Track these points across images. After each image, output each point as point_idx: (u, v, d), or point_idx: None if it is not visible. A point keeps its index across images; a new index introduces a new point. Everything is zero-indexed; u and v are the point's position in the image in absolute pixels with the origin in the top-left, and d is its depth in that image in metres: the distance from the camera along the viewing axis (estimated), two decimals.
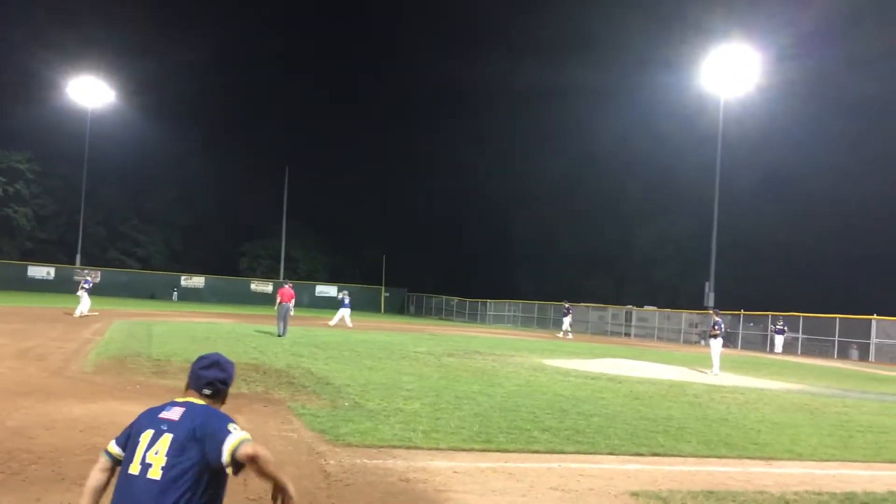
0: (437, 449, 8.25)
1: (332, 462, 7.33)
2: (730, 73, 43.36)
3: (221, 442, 3.00)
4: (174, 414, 3.11)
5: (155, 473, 2.96)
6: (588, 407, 12.10)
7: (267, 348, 19.34)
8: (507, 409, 11.20)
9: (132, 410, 4.19)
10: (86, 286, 28.78)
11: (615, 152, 66.78)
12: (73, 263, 63.75)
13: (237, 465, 3.01)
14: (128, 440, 3.12)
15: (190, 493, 2.97)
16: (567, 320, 41.00)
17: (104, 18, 78.81)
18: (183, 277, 68.84)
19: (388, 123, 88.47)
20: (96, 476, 3.17)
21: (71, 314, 27.86)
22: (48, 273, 62.71)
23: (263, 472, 3.08)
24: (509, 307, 60.07)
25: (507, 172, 77.22)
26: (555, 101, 70.95)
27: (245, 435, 3.05)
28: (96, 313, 28.53)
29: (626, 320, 50.56)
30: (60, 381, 11.70)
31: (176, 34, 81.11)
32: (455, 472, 7.33)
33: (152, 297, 61.82)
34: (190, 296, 65.23)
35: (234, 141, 79.67)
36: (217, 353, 3.46)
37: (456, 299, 65.77)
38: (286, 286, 25.92)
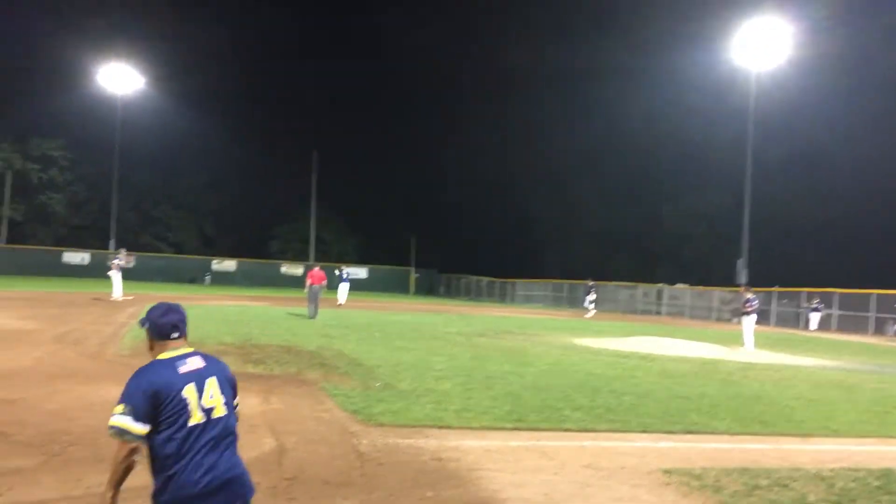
0: (468, 428, 8.29)
1: (365, 442, 7.40)
2: (762, 47, 42.56)
3: (235, 385, 3.52)
4: (196, 363, 3.39)
5: (220, 411, 3.33)
6: (620, 385, 12.07)
7: (299, 330, 19.52)
8: (539, 389, 11.21)
9: None
10: (118, 262, 28.83)
11: (643, 128, 65.85)
12: (107, 249, 64.73)
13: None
14: (156, 410, 3.17)
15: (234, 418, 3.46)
16: (590, 298, 40.92)
17: (132, 4, 79.37)
18: (215, 261, 69.58)
19: (414, 104, 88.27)
20: (129, 461, 3.22)
21: (105, 299, 27.88)
22: (83, 259, 63.68)
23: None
24: (539, 287, 59.88)
25: (535, 151, 76.60)
26: (582, 77, 70.25)
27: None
28: (131, 297, 28.91)
29: (656, 298, 50.19)
30: (98, 364, 11.92)
31: (204, 19, 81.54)
32: (487, 450, 7.36)
33: (192, 280, 62.64)
34: (222, 279, 65.95)
35: (262, 125, 79.97)
36: (162, 303, 3.60)
37: (486, 279, 65.69)
38: (315, 268, 26.07)
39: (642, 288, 51.90)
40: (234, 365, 12.03)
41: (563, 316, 38.61)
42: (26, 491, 5.42)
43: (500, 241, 76.18)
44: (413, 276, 74.93)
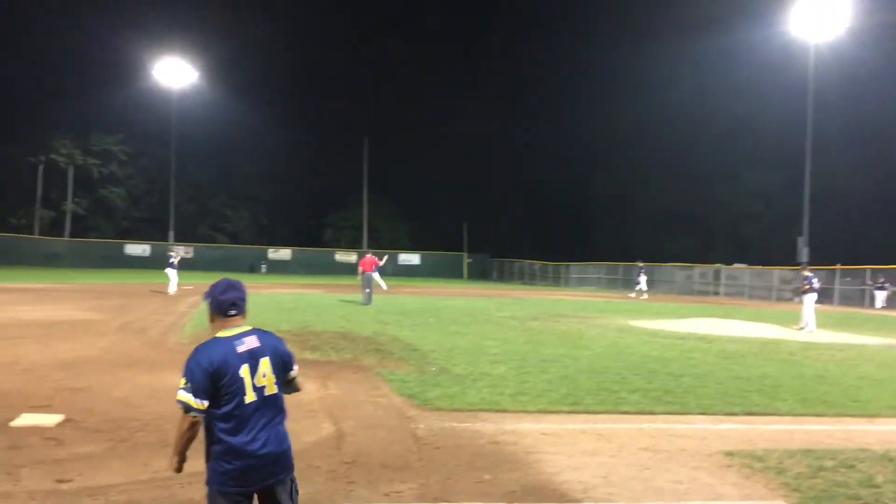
0: (524, 412, 8.28)
1: (421, 426, 7.44)
2: (820, 17, 41.24)
3: (291, 364, 3.71)
4: (252, 342, 3.56)
5: (270, 389, 3.54)
6: (677, 367, 11.91)
7: (353, 317, 19.71)
8: (595, 371, 11.13)
9: None
10: (173, 260, 29.16)
11: (696, 105, 64.51)
12: (167, 240, 66.23)
13: (289, 386, 3.74)
14: (215, 387, 3.39)
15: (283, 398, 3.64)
16: (642, 279, 40.51)
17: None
18: (270, 250, 70.73)
19: (462, 88, 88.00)
20: (192, 433, 3.45)
21: (163, 292, 28.16)
22: (143, 250, 65.27)
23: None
24: (593, 269, 59.35)
25: (585, 132, 75.73)
26: (635, 54, 69.09)
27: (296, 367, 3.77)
28: (191, 287, 29.52)
29: (714, 279, 49.26)
30: (160, 352, 12.22)
31: (254, 12, 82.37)
32: (543, 433, 7.34)
33: (251, 269, 63.73)
34: (277, 268, 67.02)
35: (313, 115, 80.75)
36: (225, 278, 3.79)
37: (538, 263, 65.37)
38: (367, 255, 26.18)
39: (699, 269, 50.99)
40: (292, 351, 12.22)
41: (617, 298, 38.24)
42: (96, 475, 5.59)
43: (553, 224, 75.70)
44: (465, 261, 74.98)
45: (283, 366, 3.64)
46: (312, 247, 73.66)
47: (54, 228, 69.60)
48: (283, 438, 3.57)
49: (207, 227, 77.01)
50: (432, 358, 12.03)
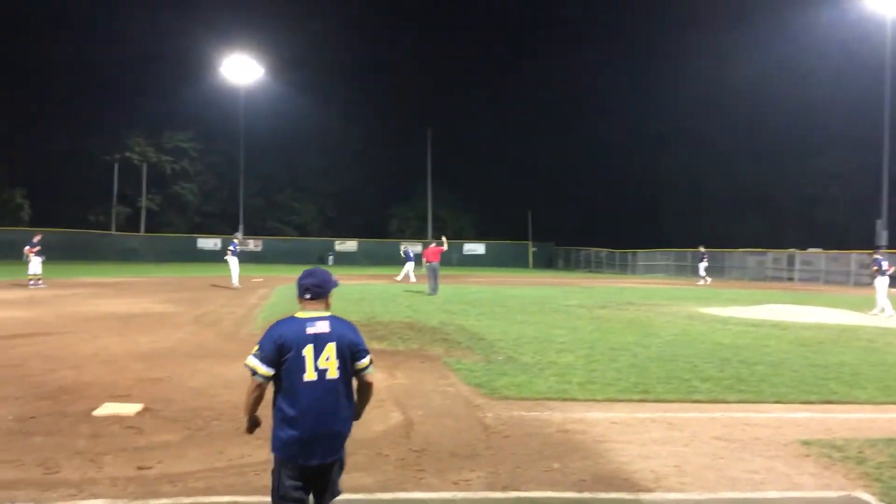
0: (593, 400, 8.20)
1: (489, 415, 7.45)
2: None
3: (361, 354, 3.93)
4: (323, 327, 3.84)
5: (332, 373, 3.80)
6: (750, 355, 11.63)
7: (420, 307, 19.82)
8: (665, 360, 10.96)
9: None
10: (232, 249, 27.68)
11: (766, 84, 62.64)
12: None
13: (359, 378, 3.97)
14: (279, 358, 3.75)
15: (350, 385, 3.91)
16: (703, 266, 39.75)
17: None
18: (337, 242, 71.71)
19: (525, 75, 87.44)
20: (257, 394, 3.84)
21: (226, 286, 26.98)
22: (214, 244, 66.87)
23: (365, 398, 4.08)
24: (661, 256, 58.36)
25: (652, 116, 74.47)
26: (699, 34, 67.44)
27: (370, 362, 4.01)
28: (260, 279, 30.12)
29: (787, 264, 47.86)
30: (233, 343, 12.50)
31: (316, 7, 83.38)
32: (613, 422, 7.26)
33: (320, 259, 64.66)
34: (344, 259, 67.88)
35: (376, 108, 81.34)
36: (315, 267, 4.14)
37: (605, 251, 64.62)
38: (432, 245, 26.22)
39: (772, 254, 49.58)
40: (365, 344, 12.36)
41: (686, 285, 37.54)
42: (174, 463, 5.76)
43: (620, 211, 74.62)
44: (531, 249, 74.60)
45: (349, 354, 3.86)
46: (378, 238, 74.33)
47: (130, 224, 71.91)
48: (338, 421, 3.84)
49: (275, 220, 78.45)
50: (499, 347, 12.02)
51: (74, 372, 9.54)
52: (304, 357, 3.74)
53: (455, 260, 65.10)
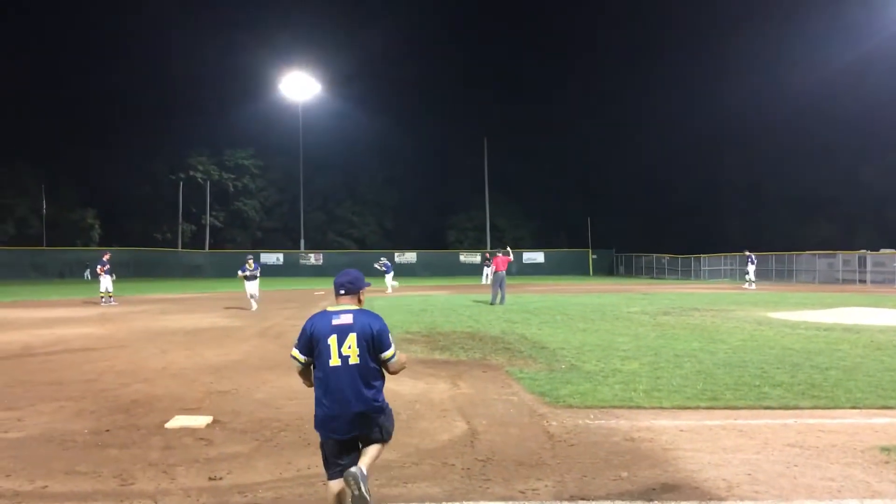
0: (660, 408, 8.05)
1: (554, 423, 7.38)
2: None
3: (382, 345, 4.42)
4: (346, 319, 4.39)
5: (354, 360, 4.35)
6: (823, 360, 11.28)
7: (480, 316, 19.80)
8: (733, 366, 10.71)
9: None
10: (242, 272, 24.08)
11: (830, 82, 60.84)
12: (298, 248, 68.78)
13: (385, 366, 4.49)
14: (311, 347, 4.42)
15: (374, 370, 4.42)
16: (751, 269, 38.83)
17: (307, 16, 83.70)
18: (396, 254, 72.17)
19: (582, 80, 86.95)
20: (304, 375, 4.61)
21: (247, 308, 23.75)
22: (277, 259, 67.99)
23: (394, 373, 4.63)
24: (726, 261, 57.14)
25: (713, 119, 73.04)
26: (758, 34, 66.14)
27: (395, 350, 4.49)
28: (321, 292, 30.45)
29: (859, 266, 46.35)
30: None
31: (372, 22, 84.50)
32: (681, 430, 7.12)
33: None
34: (404, 271, 68.18)
35: (432, 119, 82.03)
36: (349, 269, 4.84)
37: (667, 256, 63.58)
38: (499, 254, 26.04)
39: (842, 256, 48.08)
40: (421, 353, 12.43)
41: (751, 290, 36.65)
42: (243, 474, 5.85)
43: (681, 216, 73.35)
44: (591, 257, 73.90)
45: (371, 343, 4.38)
46: (437, 249, 74.59)
47: (195, 241, 73.67)
48: (363, 401, 4.33)
49: (335, 233, 79.41)
50: (561, 355, 11.92)
51: (146, 385, 9.80)
52: (329, 346, 4.34)
53: (514, 269, 64.76)
